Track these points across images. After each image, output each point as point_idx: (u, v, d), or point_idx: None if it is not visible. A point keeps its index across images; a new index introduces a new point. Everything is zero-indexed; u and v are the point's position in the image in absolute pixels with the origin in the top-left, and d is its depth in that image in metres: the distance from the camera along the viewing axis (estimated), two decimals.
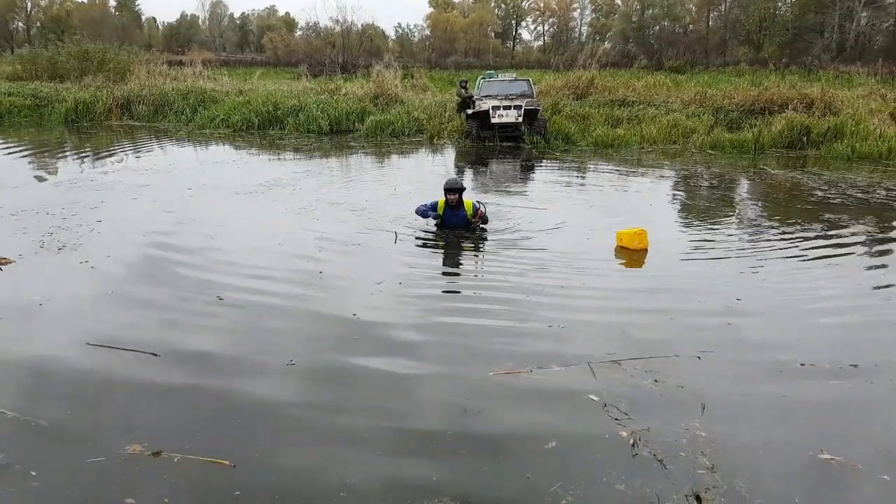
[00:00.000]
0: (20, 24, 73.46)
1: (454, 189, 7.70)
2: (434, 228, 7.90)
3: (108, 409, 3.89)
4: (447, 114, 19.12)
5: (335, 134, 18.34)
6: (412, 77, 27.83)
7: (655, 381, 4.18)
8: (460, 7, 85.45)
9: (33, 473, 3.25)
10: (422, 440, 3.58)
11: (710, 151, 15.56)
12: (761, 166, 13.64)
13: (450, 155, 15.77)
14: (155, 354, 4.52)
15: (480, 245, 7.48)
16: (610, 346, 4.67)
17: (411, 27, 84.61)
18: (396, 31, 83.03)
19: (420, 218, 7.98)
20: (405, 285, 6.06)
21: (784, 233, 8.13)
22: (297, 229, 8.09)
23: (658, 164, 14.04)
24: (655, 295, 5.90)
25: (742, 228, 8.46)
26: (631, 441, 3.51)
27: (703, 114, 18.01)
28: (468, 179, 12.61)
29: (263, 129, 18.95)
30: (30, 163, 13.52)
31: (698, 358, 4.52)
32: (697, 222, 8.89)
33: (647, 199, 10.42)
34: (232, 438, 3.56)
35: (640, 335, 4.94)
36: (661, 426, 3.65)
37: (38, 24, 71.29)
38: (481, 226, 7.77)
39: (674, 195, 11.16)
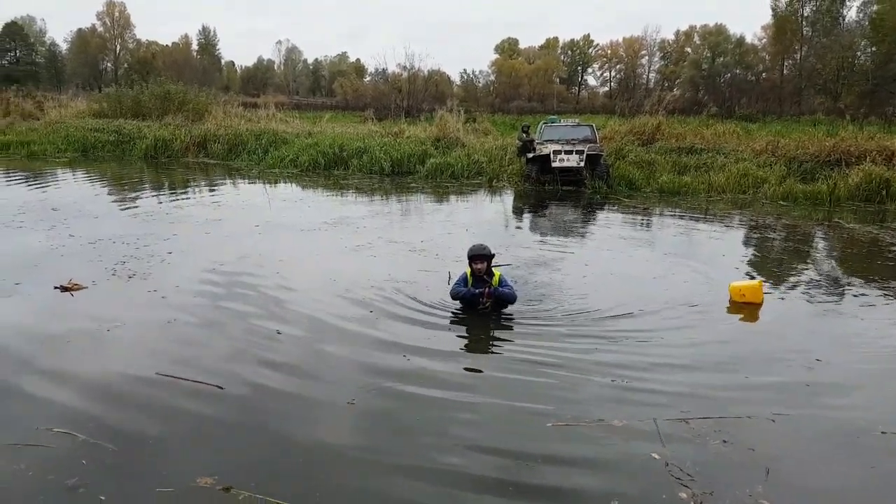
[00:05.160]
0: (109, 64, 79.78)
1: (480, 256, 6.39)
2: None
3: (174, 439, 3.94)
4: (507, 157, 19.20)
5: (396, 175, 18.67)
6: (474, 121, 28.21)
7: (724, 441, 3.93)
8: (526, 54, 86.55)
9: (102, 498, 3.31)
10: (477, 490, 3.46)
11: (781, 202, 14.97)
12: (836, 220, 12.98)
13: (508, 197, 15.77)
14: (220, 387, 4.60)
15: (537, 293, 7.22)
16: (678, 403, 4.44)
17: (476, 73, 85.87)
18: (462, 76, 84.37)
19: (459, 303, 6.51)
20: (456, 331, 6.00)
21: (863, 291, 7.65)
22: (354, 267, 8.15)
23: (727, 213, 13.56)
24: (729, 351, 5.60)
25: (819, 284, 8.00)
26: None
27: (775, 163, 17.31)
28: (525, 223, 12.53)
29: (329, 169, 19.48)
30: (110, 195, 14.28)
31: (772, 420, 4.24)
32: (772, 276, 8.44)
33: (719, 250, 9.96)
34: (295, 478, 3.56)
35: (712, 393, 4.67)
36: (725, 491, 3.42)
37: (125, 65, 76.49)
38: (503, 305, 6.36)
39: (746, 246, 10.70)
